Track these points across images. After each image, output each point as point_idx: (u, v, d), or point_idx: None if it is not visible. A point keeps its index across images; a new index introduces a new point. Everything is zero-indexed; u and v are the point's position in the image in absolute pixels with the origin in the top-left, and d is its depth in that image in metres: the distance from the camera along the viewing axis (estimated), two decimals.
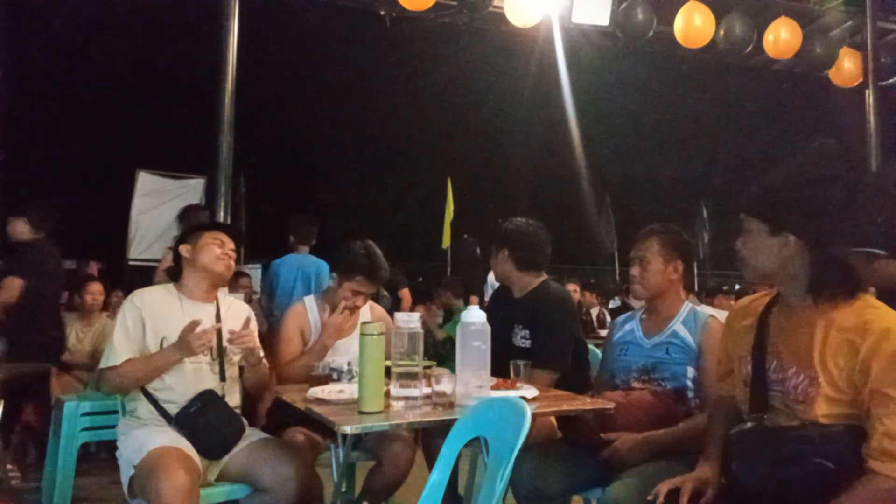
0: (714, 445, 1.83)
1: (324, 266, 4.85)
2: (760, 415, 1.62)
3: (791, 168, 1.71)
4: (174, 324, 2.34)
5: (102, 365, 2.34)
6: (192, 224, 2.73)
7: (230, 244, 2.54)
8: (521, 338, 2.78)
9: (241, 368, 2.58)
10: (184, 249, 2.51)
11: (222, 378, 2.44)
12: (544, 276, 2.91)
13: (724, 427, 1.82)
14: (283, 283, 4.77)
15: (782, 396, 1.63)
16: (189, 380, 2.37)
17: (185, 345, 2.26)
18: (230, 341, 2.39)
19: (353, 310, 2.82)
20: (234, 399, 2.49)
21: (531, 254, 2.85)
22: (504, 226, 2.91)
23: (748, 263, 1.74)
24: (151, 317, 2.38)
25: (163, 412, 2.33)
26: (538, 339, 2.73)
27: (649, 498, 1.74)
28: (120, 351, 2.32)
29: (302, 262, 4.92)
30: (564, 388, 2.49)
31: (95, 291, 4.82)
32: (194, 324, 2.27)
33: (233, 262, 2.54)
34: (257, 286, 10.09)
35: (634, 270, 2.46)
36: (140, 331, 2.37)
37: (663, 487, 1.73)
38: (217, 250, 2.48)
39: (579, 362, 2.83)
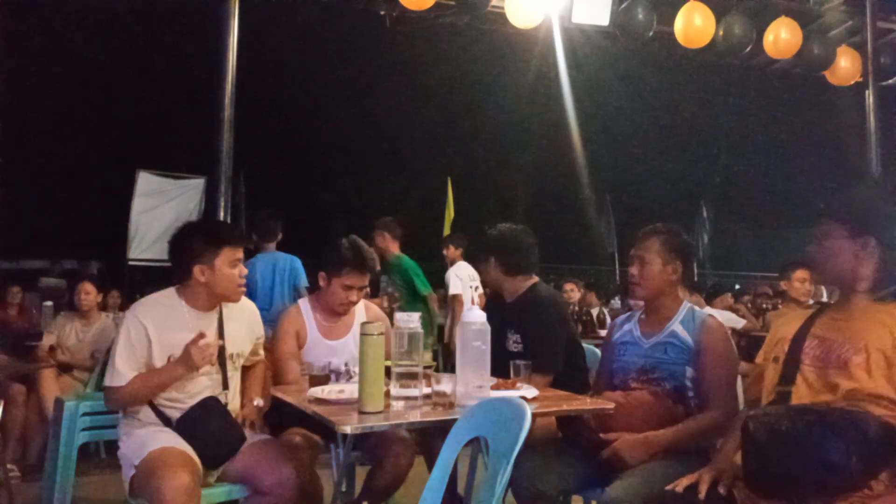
0: (732, 441, 1.86)
1: (297, 261, 4.82)
2: (788, 388, 1.73)
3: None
4: (180, 336, 2.30)
5: (107, 383, 2.30)
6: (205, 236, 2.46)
7: (242, 254, 2.44)
8: (514, 342, 2.78)
9: (244, 368, 2.59)
10: (198, 271, 2.35)
11: (225, 386, 2.42)
12: (534, 279, 2.91)
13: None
14: (261, 284, 4.69)
15: (816, 369, 1.73)
16: (191, 386, 2.35)
17: (188, 358, 2.24)
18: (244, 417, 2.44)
19: (349, 306, 2.82)
20: (235, 404, 2.49)
21: (517, 258, 2.86)
22: (488, 233, 2.94)
23: (823, 265, 1.89)
24: (156, 332, 2.31)
25: (163, 418, 2.32)
26: (529, 344, 2.73)
27: (668, 488, 1.79)
28: (124, 370, 2.27)
29: (274, 260, 4.80)
30: (562, 388, 2.49)
31: (86, 291, 4.78)
32: (200, 336, 2.25)
33: (245, 274, 2.47)
34: None
35: (633, 270, 2.45)
36: (145, 348, 2.31)
37: (684, 481, 1.80)
38: (237, 277, 2.38)
39: (575, 363, 2.83)
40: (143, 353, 2.30)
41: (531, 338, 2.74)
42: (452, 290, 6.01)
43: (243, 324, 2.54)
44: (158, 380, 2.30)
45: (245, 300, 2.63)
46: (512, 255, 2.86)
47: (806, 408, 1.64)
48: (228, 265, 2.37)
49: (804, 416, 1.59)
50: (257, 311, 2.65)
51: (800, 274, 4.55)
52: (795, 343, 1.83)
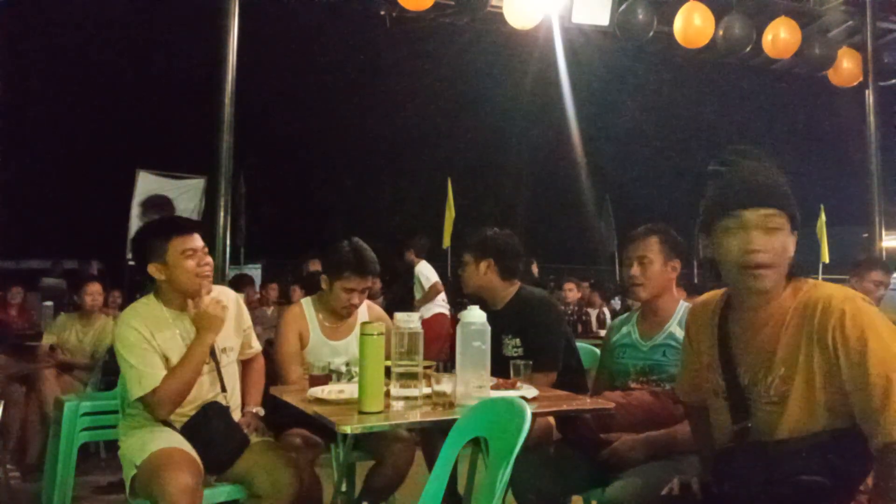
0: (709, 453, 1.80)
1: None
2: (745, 424, 1.58)
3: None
4: (167, 338, 2.30)
5: (140, 394, 2.19)
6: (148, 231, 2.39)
7: (200, 243, 2.34)
8: (513, 347, 2.75)
9: (241, 362, 2.60)
10: (154, 270, 2.30)
11: (223, 388, 2.40)
12: (518, 284, 2.88)
13: (710, 435, 1.79)
14: None
15: (755, 402, 1.58)
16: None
17: (209, 318, 2.26)
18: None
19: (351, 309, 2.81)
20: (235, 400, 2.49)
21: (515, 263, 2.83)
22: (488, 236, 2.85)
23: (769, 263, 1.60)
24: (151, 335, 2.28)
25: (167, 424, 2.30)
26: (531, 344, 2.70)
27: (664, 492, 1.75)
28: (150, 370, 2.21)
29: None
30: (562, 389, 2.48)
31: (94, 292, 4.80)
32: (207, 302, 2.29)
33: (210, 265, 2.36)
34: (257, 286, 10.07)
35: (635, 270, 2.39)
36: (152, 347, 2.27)
37: (677, 482, 1.74)
38: (191, 264, 2.28)
39: (568, 364, 2.80)
40: (153, 350, 2.26)
41: (532, 338, 2.71)
42: (433, 279, 6.56)
43: (230, 316, 2.48)
44: (191, 360, 2.25)
45: (228, 291, 2.59)
46: (511, 258, 2.82)
47: (771, 452, 1.52)
48: (181, 256, 2.28)
49: (774, 464, 1.49)
50: (241, 300, 2.61)
51: (876, 276, 4.01)
52: (728, 374, 1.63)
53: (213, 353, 2.40)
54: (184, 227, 2.36)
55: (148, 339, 2.27)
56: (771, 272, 1.55)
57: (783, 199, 1.58)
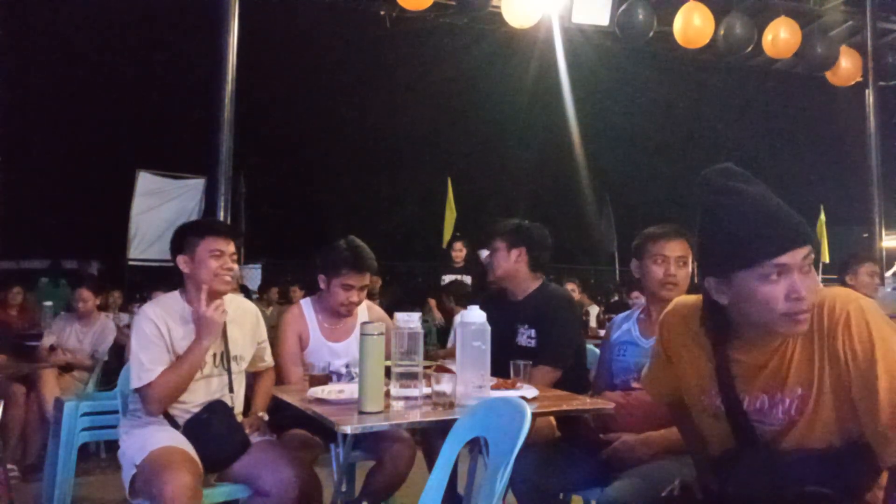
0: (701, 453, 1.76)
1: None
2: (753, 446, 1.51)
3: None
4: (183, 333, 2.33)
5: (136, 385, 2.25)
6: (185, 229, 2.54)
7: (230, 249, 2.42)
8: (527, 338, 2.76)
9: (253, 375, 2.62)
10: (181, 261, 2.40)
11: (231, 389, 2.43)
12: (543, 278, 2.92)
13: (698, 435, 1.72)
14: None
15: (762, 423, 1.51)
16: (198, 389, 2.36)
17: (208, 322, 2.27)
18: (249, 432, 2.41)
19: (351, 307, 2.81)
20: (238, 407, 2.50)
21: (545, 255, 2.86)
22: (522, 225, 2.88)
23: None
24: (166, 329, 2.33)
25: (172, 422, 2.32)
26: (545, 337, 2.72)
27: (664, 493, 1.73)
28: (150, 365, 2.24)
29: None
30: (564, 388, 2.49)
31: (83, 298, 4.76)
32: (207, 303, 2.32)
33: (235, 268, 2.45)
34: (255, 285, 10.07)
35: (674, 270, 2.39)
36: (163, 343, 2.31)
37: (679, 482, 1.72)
38: (214, 264, 2.36)
39: (578, 362, 2.82)
40: (163, 346, 2.31)
41: (546, 332, 2.72)
42: None
43: (246, 326, 2.54)
44: (188, 361, 2.28)
45: (248, 303, 2.64)
46: (543, 251, 2.85)
47: (780, 459, 1.46)
48: (209, 254, 2.36)
49: (782, 470, 1.44)
50: (260, 315, 2.65)
51: (868, 268, 4.14)
52: (728, 400, 1.53)
53: (224, 359, 2.43)
54: (219, 229, 2.47)
55: (162, 333, 2.32)
56: (810, 313, 1.42)
57: (810, 233, 1.43)
